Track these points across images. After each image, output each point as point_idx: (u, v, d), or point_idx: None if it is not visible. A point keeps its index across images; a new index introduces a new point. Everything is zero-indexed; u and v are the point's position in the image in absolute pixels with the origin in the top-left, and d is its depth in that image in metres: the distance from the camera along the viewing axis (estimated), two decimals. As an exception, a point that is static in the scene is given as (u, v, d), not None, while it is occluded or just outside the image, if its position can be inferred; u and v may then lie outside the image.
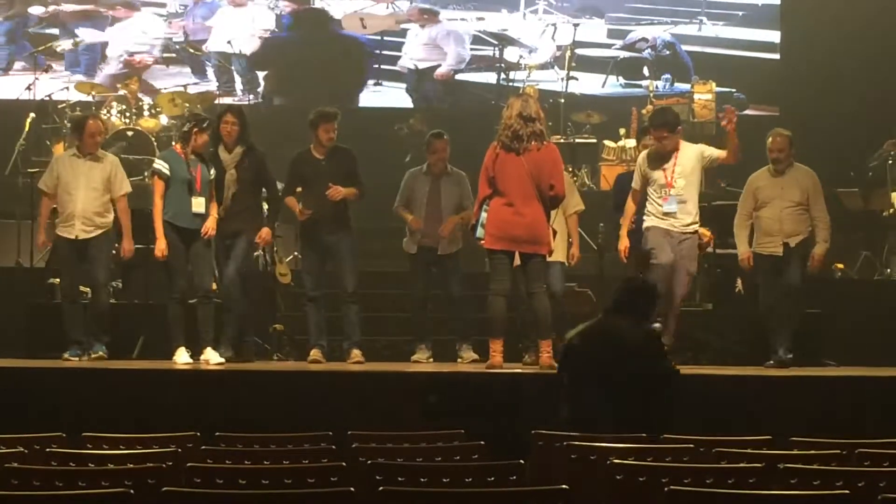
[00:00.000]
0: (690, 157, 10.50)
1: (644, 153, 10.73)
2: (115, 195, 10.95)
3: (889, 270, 13.13)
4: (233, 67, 16.61)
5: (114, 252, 11.22)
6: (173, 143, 11.65)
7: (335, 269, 11.17)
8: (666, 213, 10.43)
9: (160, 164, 10.78)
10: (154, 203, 10.73)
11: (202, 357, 10.61)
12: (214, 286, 11.26)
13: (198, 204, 10.64)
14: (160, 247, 10.62)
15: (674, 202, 10.39)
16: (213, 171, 10.78)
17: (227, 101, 15.28)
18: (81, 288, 11.26)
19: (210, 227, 10.67)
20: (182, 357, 10.61)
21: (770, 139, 11.02)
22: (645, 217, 10.52)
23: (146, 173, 11.60)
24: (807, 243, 10.92)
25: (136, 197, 11.41)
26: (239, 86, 16.63)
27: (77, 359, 10.77)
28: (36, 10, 16.82)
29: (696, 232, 10.52)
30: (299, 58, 16.90)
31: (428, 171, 11.54)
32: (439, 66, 16.97)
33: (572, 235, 11.32)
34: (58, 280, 11.99)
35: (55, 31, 16.72)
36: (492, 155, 10.06)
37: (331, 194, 10.98)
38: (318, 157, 11.13)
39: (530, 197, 9.96)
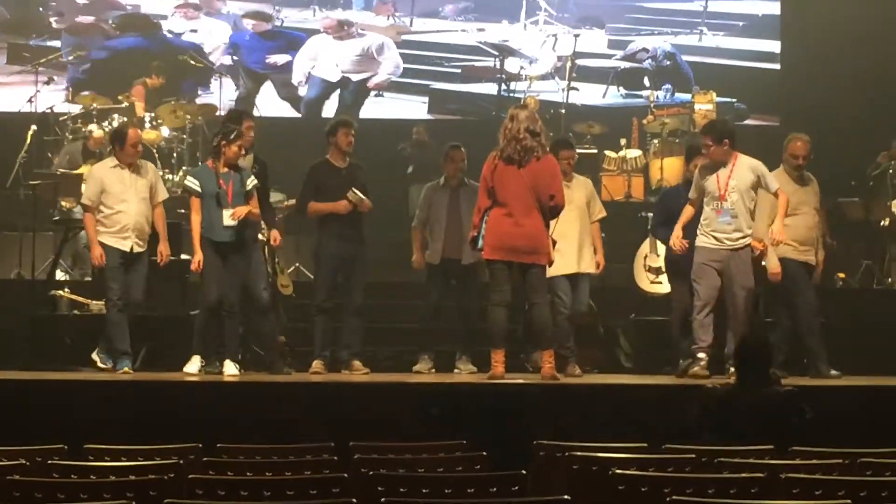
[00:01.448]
0: (747, 172, 10.43)
1: (699, 165, 10.68)
2: (155, 201, 10.95)
3: (890, 280, 13.13)
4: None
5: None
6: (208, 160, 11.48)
7: (346, 280, 11.21)
8: (716, 229, 10.40)
9: (190, 181, 10.81)
10: (192, 219, 10.71)
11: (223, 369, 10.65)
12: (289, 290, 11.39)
13: (229, 216, 10.58)
14: (196, 259, 10.61)
15: (727, 216, 10.36)
16: (251, 181, 10.72)
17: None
18: (94, 301, 11.30)
19: (239, 212, 10.53)
20: (191, 367, 10.63)
21: (793, 143, 10.95)
22: (698, 233, 10.52)
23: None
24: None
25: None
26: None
27: (131, 370, 10.68)
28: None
29: (747, 245, 10.47)
30: (125, 63, 16.45)
31: (445, 183, 11.57)
32: (371, 76, 17.02)
33: (596, 243, 11.38)
34: (60, 292, 12.01)
35: (55, 43, 16.76)
36: (490, 166, 10.05)
37: (362, 206, 11.04)
38: (339, 167, 11.19)
39: (530, 207, 9.97)
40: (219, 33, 17.07)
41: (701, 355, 10.46)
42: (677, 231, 10.61)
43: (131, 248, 10.84)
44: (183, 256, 11.59)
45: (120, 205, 10.85)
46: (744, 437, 7.31)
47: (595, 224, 11.40)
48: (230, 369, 10.58)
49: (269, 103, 16.87)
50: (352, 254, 11.16)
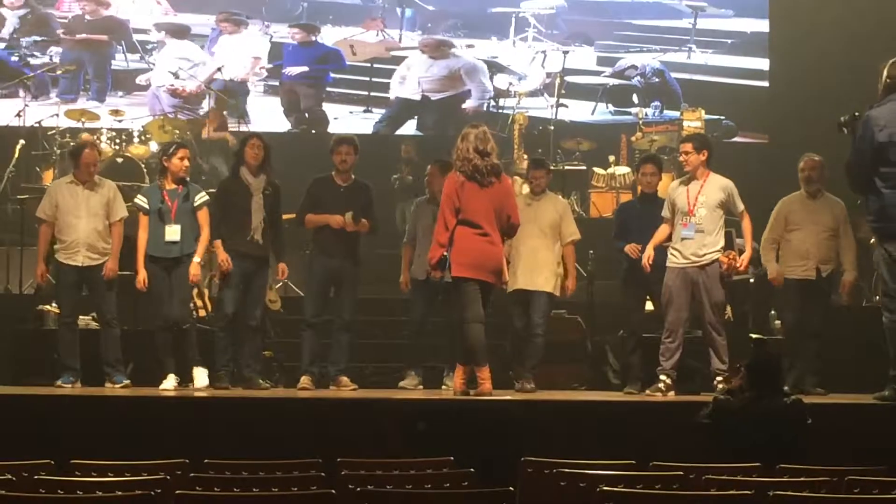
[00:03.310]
0: (717, 190, 10.62)
1: (676, 181, 10.91)
2: (112, 219, 11.06)
3: (878, 297, 13.13)
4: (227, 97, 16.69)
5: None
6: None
7: (336, 296, 11.23)
8: (683, 238, 10.58)
9: (139, 199, 10.99)
10: (138, 237, 10.88)
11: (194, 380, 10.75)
12: (203, 312, 11.37)
13: (171, 232, 10.81)
14: (140, 279, 10.80)
15: (692, 229, 10.54)
16: (199, 197, 10.89)
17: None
18: (81, 316, 11.35)
19: (194, 275, 10.82)
20: (167, 383, 10.71)
21: (801, 162, 11.29)
22: (669, 250, 10.69)
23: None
24: (835, 275, 11.20)
25: (127, 224, 11.40)
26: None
27: (70, 385, 10.78)
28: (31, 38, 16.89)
29: (715, 261, 10.57)
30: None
31: (429, 199, 11.60)
32: (453, 96, 17.00)
33: (568, 265, 11.30)
34: (48, 306, 11.99)
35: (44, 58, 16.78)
36: (455, 185, 10.05)
37: (347, 226, 11.06)
38: (338, 185, 11.23)
39: (495, 228, 10.02)
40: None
41: (662, 377, 10.65)
42: (649, 251, 10.73)
43: (81, 263, 10.96)
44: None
45: (70, 220, 11.00)
46: (755, 448, 7.37)
47: (568, 246, 11.32)
48: (201, 380, 10.67)
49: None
50: (342, 270, 11.18)
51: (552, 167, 14.51)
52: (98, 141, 14.28)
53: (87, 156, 11.18)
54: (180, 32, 17.00)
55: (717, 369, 10.51)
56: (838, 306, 11.70)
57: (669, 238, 10.73)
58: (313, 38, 17.10)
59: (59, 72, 16.28)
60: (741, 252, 11.08)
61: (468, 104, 17.01)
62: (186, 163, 11.01)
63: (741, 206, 10.67)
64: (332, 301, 11.29)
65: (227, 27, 17.00)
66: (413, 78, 17.08)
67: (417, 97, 17.06)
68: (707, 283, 10.54)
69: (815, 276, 11.14)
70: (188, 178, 11.12)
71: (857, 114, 9.77)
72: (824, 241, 11.15)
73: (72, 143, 14.17)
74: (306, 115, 16.99)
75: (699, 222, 10.54)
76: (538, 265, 11.15)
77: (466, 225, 10.00)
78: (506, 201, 10.11)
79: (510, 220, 10.10)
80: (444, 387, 11.33)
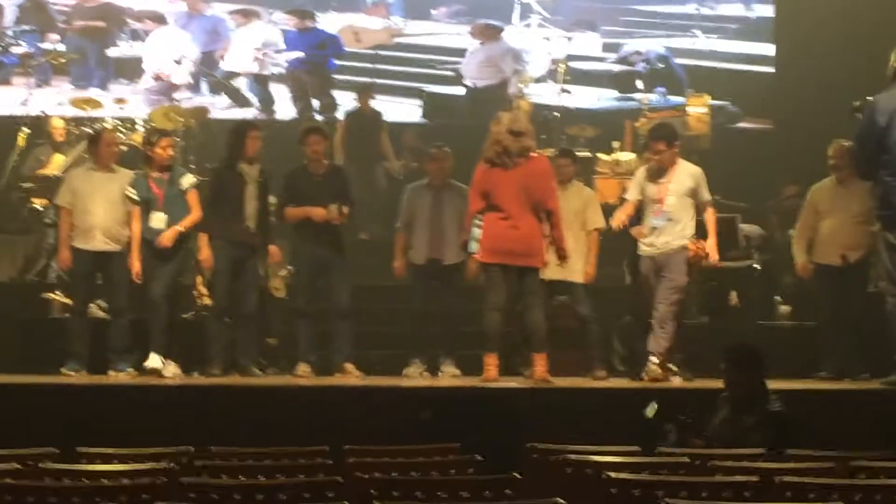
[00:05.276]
0: (686, 178, 10.63)
1: (645, 167, 10.88)
2: (131, 208, 11.02)
3: (881, 284, 13.10)
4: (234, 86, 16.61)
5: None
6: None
7: (328, 284, 11.21)
8: (653, 228, 10.60)
9: (129, 191, 10.98)
10: (132, 227, 10.90)
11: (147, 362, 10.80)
12: (208, 300, 11.39)
13: (156, 220, 10.85)
14: (135, 269, 10.81)
15: (663, 218, 10.54)
16: (186, 180, 10.96)
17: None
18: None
19: (166, 237, 10.77)
20: (168, 371, 10.76)
21: (830, 149, 11.27)
22: (641, 240, 10.71)
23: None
24: (866, 260, 11.12)
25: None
26: (256, 104, 16.61)
27: (75, 373, 10.78)
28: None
29: (682, 247, 10.56)
30: None
31: (429, 183, 11.57)
32: (494, 83, 16.84)
33: (590, 252, 11.33)
34: (52, 294, 12.00)
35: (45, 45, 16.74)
36: (481, 171, 10.10)
37: (333, 219, 11.03)
38: (315, 174, 11.19)
39: (524, 210, 10.03)
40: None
41: (651, 358, 10.63)
42: (621, 215, 10.75)
43: (99, 248, 10.96)
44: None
45: (87, 204, 11.02)
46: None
47: (592, 233, 11.34)
48: (154, 362, 10.72)
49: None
50: (329, 257, 11.17)
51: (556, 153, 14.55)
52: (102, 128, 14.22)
53: (107, 137, 11.31)
54: (160, 19, 16.88)
55: (653, 351, 10.46)
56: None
57: (638, 218, 10.70)
58: (309, 24, 16.98)
59: (62, 60, 16.24)
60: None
61: (511, 90, 16.76)
62: (170, 151, 11.13)
63: (707, 196, 10.67)
64: (325, 290, 11.26)
65: (236, 18, 16.92)
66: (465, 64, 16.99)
67: (466, 84, 16.92)
68: (673, 266, 10.53)
69: (841, 263, 11.11)
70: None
71: (869, 98, 9.76)
72: (854, 228, 11.10)
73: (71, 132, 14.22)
74: (313, 102, 16.89)
75: (669, 210, 10.55)
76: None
77: (492, 210, 10.09)
78: (535, 182, 10.09)
79: (543, 203, 10.09)
80: (439, 373, 11.33)
